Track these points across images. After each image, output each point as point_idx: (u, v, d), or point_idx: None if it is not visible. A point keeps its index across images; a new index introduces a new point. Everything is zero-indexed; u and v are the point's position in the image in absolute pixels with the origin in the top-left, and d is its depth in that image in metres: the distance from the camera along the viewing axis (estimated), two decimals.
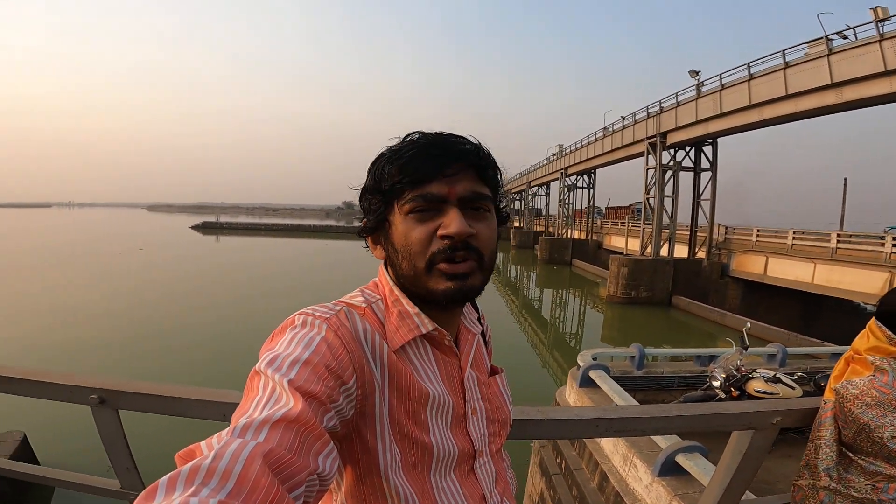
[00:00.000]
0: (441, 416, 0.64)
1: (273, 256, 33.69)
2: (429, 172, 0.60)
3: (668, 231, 19.03)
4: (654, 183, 19.12)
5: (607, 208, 43.69)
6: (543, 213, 46.86)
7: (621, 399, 4.58)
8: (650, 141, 19.26)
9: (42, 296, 16.80)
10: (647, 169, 19.53)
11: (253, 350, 0.56)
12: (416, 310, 0.63)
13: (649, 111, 19.55)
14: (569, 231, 33.42)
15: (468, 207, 0.62)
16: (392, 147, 0.64)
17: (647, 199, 19.56)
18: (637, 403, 4.18)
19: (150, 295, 17.49)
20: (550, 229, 39.18)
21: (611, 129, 24.14)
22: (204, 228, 59.38)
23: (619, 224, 29.09)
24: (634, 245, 21.49)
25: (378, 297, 0.66)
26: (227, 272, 24.73)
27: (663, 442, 3.54)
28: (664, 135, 18.63)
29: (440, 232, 0.60)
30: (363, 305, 0.63)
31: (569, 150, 32.67)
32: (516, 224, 53.32)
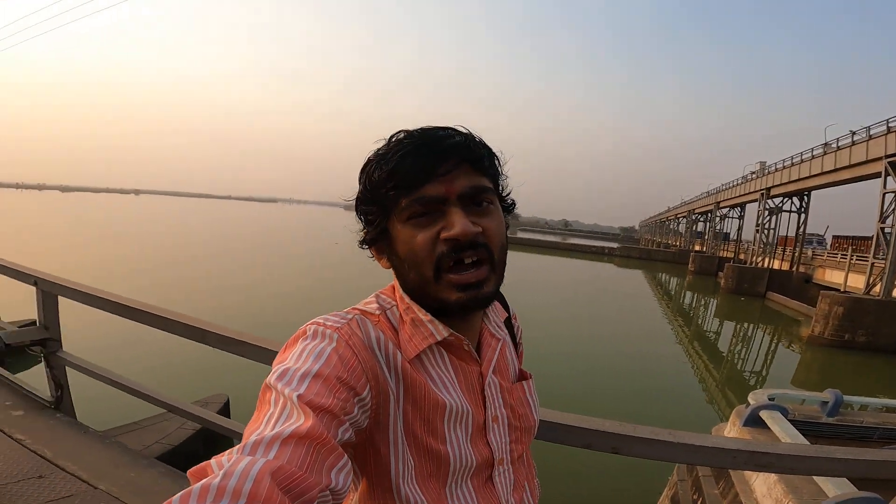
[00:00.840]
0: (460, 425, 0.61)
1: None
2: (421, 174, 0.57)
3: None
4: (893, 210, 15.60)
5: (836, 237, 35.79)
6: (733, 238, 41.05)
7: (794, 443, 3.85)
8: (890, 160, 15.76)
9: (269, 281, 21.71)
10: (884, 193, 16.02)
11: None
12: (429, 317, 0.61)
13: (889, 125, 16.02)
14: (766, 260, 28.86)
15: (471, 203, 0.59)
16: (378, 150, 0.61)
17: (882, 228, 16.06)
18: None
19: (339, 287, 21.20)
20: (741, 256, 34.27)
21: (834, 146, 20.31)
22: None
23: (840, 256, 24.11)
24: (857, 282, 17.78)
25: (393, 302, 0.64)
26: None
27: (832, 489, 2.96)
28: None
29: (444, 235, 0.57)
30: (377, 312, 0.62)
31: (773, 169, 28.27)
32: (697, 248, 47.86)
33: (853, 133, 18.66)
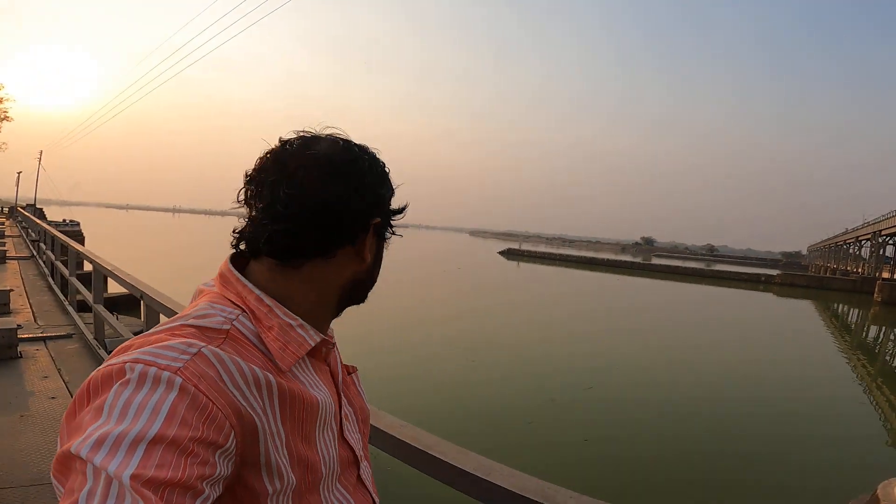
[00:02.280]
0: (328, 427, 0.57)
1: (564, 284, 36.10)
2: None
3: None
4: None
5: None
6: None
7: None
8: None
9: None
10: None
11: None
12: (299, 321, 0.55)
13: None
14: None
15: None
16: (382, 163, 0.61)
17: None
18: None
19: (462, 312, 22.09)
20: None
21: None
22: (508, 255, 65.04)
23: None
24: None
25: (238, 310, 0.53)
26: (521, 298, 28.45)
27: None
28: None
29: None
30: (224, 327, 0.50)
31: None
32: (885, 275, 39.70)
33: None
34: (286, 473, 0.50)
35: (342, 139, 0.59)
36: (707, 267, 66.13)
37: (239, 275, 0.56)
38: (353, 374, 0.70)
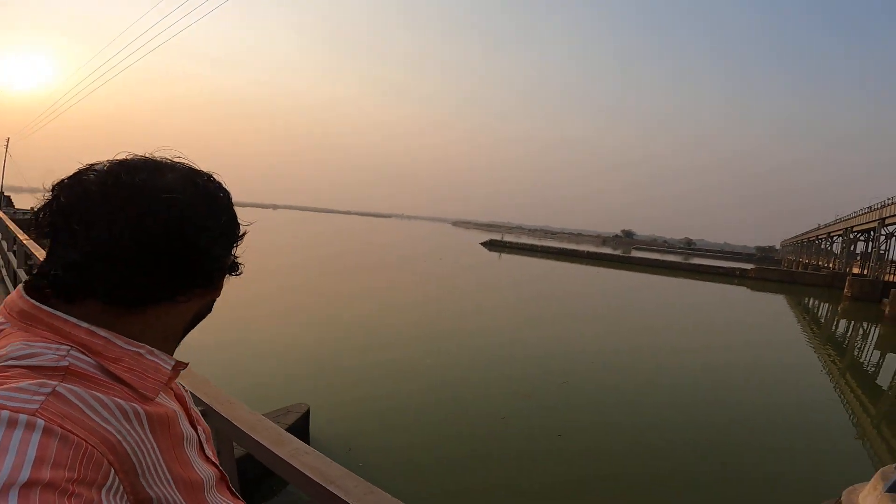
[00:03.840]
0: (192, 447, 0.56)
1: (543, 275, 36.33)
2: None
3: None
4: None
5: None
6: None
7: None
8: None
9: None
10: None
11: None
12: (147, 347, 0.51)
13: None
14: None
15: None
16: (229, 198, 0.57)
17: None
18: None
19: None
20: None
21: None
22: (490, 245, 65.23)
23: None
24: None
25: (66, 346, 0.46)
26: (504, 288, 28.51)
27: None
28: None
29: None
30: (60, 364, 0.44)
31: None
32: (855, 270, 40.82)
33: None
34: (176, 501, 0.49)
35: (191, 170, 0.55)
36: (685, 260, 67.20)
37: (51, 309, 0.48)
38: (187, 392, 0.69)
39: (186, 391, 0.65)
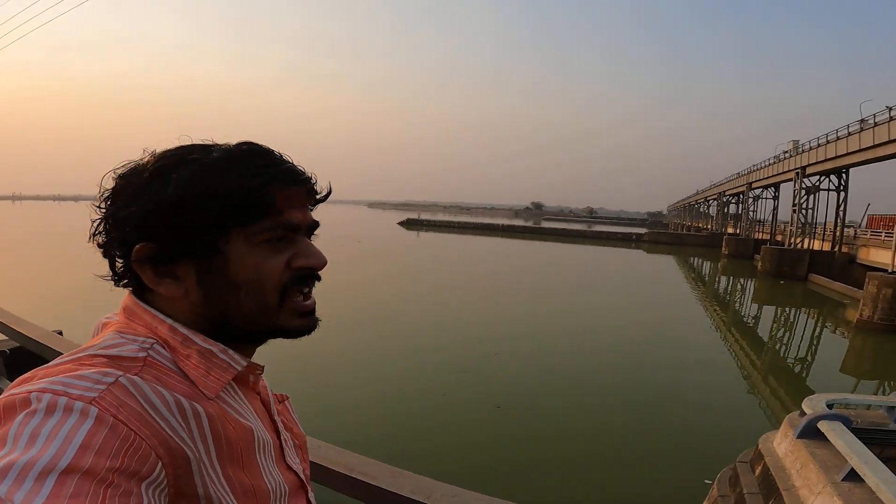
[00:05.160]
0: (267, 455, 0.55)
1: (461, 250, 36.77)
2: (287, 197, 0.52)
3: None
4: None
5: (872, 217, 33.94)
6: (768, 219, 39.61)
7: (862, 461, 3.38)
8: None
9: None
10: None
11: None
12: (221, 346, 0.52)
13: None
14: (805, 241, 27.77)
15: (308, 236, 0.57)
16: (217, 154, 0.50)
17: None
18: (888, 471, 3.21)
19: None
20: (778, 237, 33.07)
21: (871, 122, 19.44)
22: (408, 225, 65.32)
23: (884, 235, 23.02)
24: None
25: (152, 339, 0.49)
26: (420, 266, 28.31)
27: None
28: None
29: (300, 263, 0.53)
30: (139, 355, 0.47)
31: (808, 147, 27.18)
32: (730, 230, 46.41)
33: (890, 109, 18.00)
34: (227, 503, 0.47)
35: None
36: (588, 228, 72.20)
37: (145, 305, 0.52)
38: (285, 402, 0.68)
39: (272, 396, 0.64)
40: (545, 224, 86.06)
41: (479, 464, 5.98)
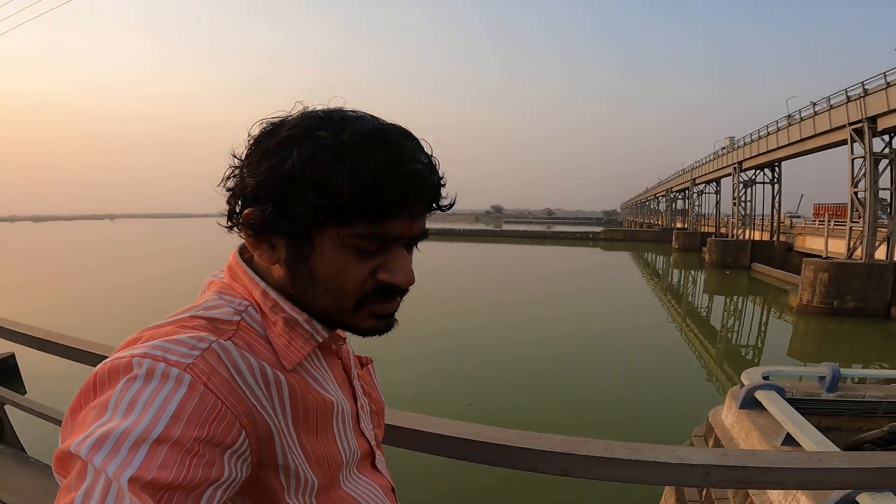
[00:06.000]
0: (344, 422, 0.55)
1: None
2: (396, 208, 0.47)
3: (885, 230, 15.96)
4: (864, 174, 16.22)
5: (817, 206, 36.30)
6: (713, 213, 42.01)
7: (794, 425, 3.67)
8: (854, 127, 16.39)
9: None
10: (853, 159, 16.63)
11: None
12: (305, 316, 0.51)
13: (849, 94, 16.71)
14: (746, 232, 29.64)
15: (411, 246, 0.53)
16: (345, 136, 0.46)
17: (855, 193, 16.67)
18: (818, 432, 3.51)
19: None
20: (722, 230, 35.13)
21: (797, 117, 21.04)
22: None
23: (818, 223, 24.93)
24: (839, 247, 18.43)
25: (247, 302, 0.50)
26: None
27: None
28: (873, 119, 15.71)
29: (385, 277, 0.49)
30: (234, 318, 0.48)
31: (742, 143, 29.03)
32: (679, 225, 48.83)
33: (814, 104, 19.43)
34: (304, 473, 0.48)
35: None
36: (548, 229, 73.98)
37: (246, 267, 0.53)
38: (368, 366, 0.67)
39: (354, 360, 0.63)
40: (506, 227, 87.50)
41: None
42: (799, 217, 35.13)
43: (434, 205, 0.52)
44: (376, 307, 0.51)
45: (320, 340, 0.52)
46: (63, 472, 0.35)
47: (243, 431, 0.42)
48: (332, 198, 0.46)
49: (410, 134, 0.51)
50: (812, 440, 3.19)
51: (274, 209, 0.47)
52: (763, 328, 16.46)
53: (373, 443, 0.62)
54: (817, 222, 25.45)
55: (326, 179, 0.45)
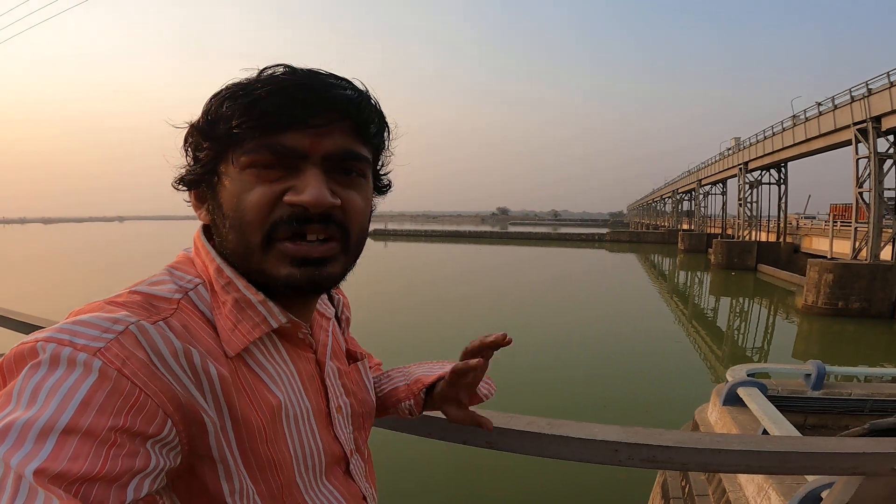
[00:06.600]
0: (303, 423, 0.50)
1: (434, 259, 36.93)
2: (286, 117, 0.44)
3: (890, 231, 15.89)
4: (868, 174, 16.16)
5: (833, 206, 35.50)
6: (719, 214, 41.75)
7: (771, 421, 3.71)
8: (859, 127, 16.34)
9: None
10: (858, 159, 16.59)
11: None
12: (261, 296, 0.46)
13: (853, 94, 16.67)
14: (752, 233, 29.48)
15: (336, 170, 0.47)
16: (241, 80, 0.45)
17: (860, 193, 16.61)
18: (793, 428, 3.57)
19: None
20: (728, 231, 34.94)
21: (802, 117, 20.97)
22: (374, 235, 65.63)
23: (824, 224, 24.79)
24: (844, 248, 18.34)
25: (198, 280, 0.47)
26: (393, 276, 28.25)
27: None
28: (877, 119, 15.66)
29: (289, 198, 0.44)
30: (174, 297, 0.44)
31: (748, 144, 28.92)
32: (685, 226, 48.58)
33: (819, 104, 19.38)
34: (241, 475, 0.44)
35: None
36: (554, 231, 73.89)
37: (205, 241, 0.49)
38: (360, 362, 0.62)
39: (339, 357, 0.60)
40: (512, 228, 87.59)
41: None
42: (815, 217, 34.73)
43: (353, 121, 0.47)
44: (287, 247, 0.46)
45: (274, 325, 0.48)
46: None
47: (169, 420, 0.39)
48: (223, 125, 0.45)
49: (336, 74, 0.48)
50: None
51: (192, 157, 0.48)
52: (769, 329, 16.41)
53: (347, 447, 0.57)
54: (823, 223, 25.30)
55: (219, 112, 0.45)
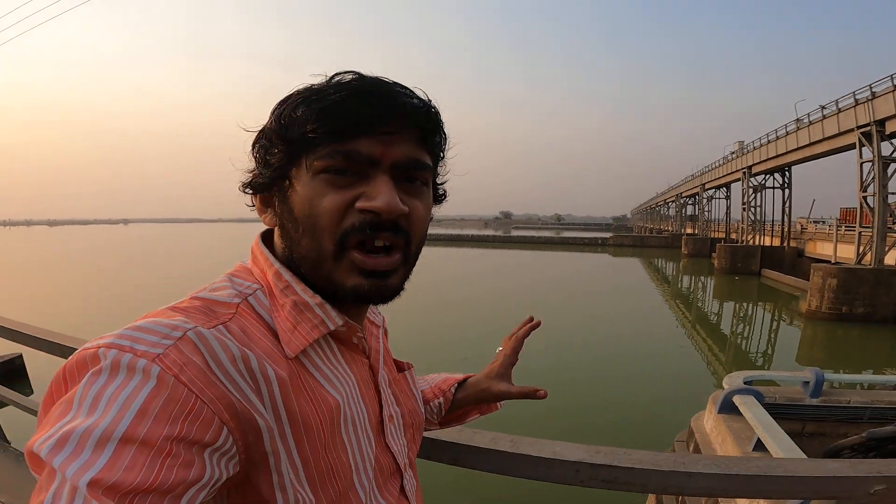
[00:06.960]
0: (360, 430, 0.50)
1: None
2: (359, 123, 0.45)
3: (895, 236, 15.72)
4: (873, 178, 16.01)
5: (843, 209, 35.00)
6: (723, 218, 41.49)
7: (765, 430, 3.63)
8: (863, 131, 16.22)
9: None
10: (862, 163, 16.47)
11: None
12: (319, 299, 0.47)
13: (857, 97, 16.56)
14: (756, 237, 29.24)
15: (402, 178, 0.47)
16: (312, 85, 0.47)
17: (864, 197, 16.46)
18: (788, 438, 3.44)
19: None
20: (732, 235, 34.68)
21: (806, 121, 20.85)
22: None
23: (828, 228, 24.56)
24: (849, 252, 18.16)
25: (256, 286, 0.48)
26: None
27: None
28: (881, 122, 15.55)
29: (361, 204, 0.45)
30: (233, 301, 0.45)
31: (752, 147, 28.78)
32: (689, 231, 48.34)
33: (823, 108, 19.29)
34: (296, 485, 0.44)
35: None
36: (557, 235, 73.80)
37: (264, 248, 0.51)
38: (406, 372, 0.63)
39: (389, 365, 0.60)
40: (515, 232, 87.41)
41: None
42: (823, 222, 34.29)
43: (420, 130, 0.49)
44: (357, 257, 0.46)
45: (331, 327, 0.48)
46: (36, 471, 0.33)
47: (225, 428, 0.38)
48: (296, 129, 0.45)
49: (401, 84, 0.49)
50: (780, 446, 3.19)
51: (259, 165, 0.49)
52: (773, 334, 16.26)
53: (401, 460, 0.56)
54: (827, 227, 25.09)
55: (292, 117, 0.46)
